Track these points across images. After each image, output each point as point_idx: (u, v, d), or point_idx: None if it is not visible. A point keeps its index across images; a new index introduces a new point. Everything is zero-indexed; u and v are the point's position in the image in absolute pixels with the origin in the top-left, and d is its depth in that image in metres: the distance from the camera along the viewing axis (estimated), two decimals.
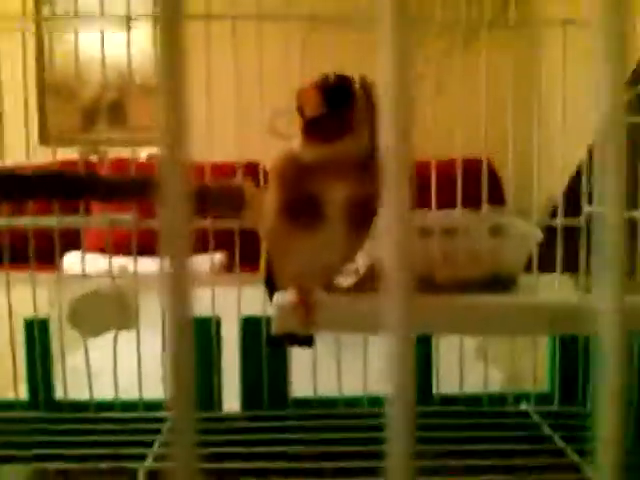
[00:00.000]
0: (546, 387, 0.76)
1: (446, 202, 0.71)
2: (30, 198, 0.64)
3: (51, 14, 0.76)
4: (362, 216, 0.48)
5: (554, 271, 0.73)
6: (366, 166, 0.47)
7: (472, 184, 0.75)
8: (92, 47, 0.72)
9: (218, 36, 0.79)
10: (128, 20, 0.72)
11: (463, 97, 0.72)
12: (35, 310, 0.73)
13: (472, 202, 0.72)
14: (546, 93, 0.74)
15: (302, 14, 0.73)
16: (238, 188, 0.74)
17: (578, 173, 0.74)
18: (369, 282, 0.51)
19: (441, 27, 0.74)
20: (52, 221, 0.74)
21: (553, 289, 0.73)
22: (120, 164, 0.96)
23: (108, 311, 0.72)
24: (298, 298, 0.47)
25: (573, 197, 0.74)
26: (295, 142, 0.49)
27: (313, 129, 0.47)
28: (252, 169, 0.77)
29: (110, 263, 0.73)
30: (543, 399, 0.75)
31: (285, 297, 0.48)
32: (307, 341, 0.60)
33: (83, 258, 0.74)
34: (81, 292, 0.72)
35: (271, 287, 0.55)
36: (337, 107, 0.47)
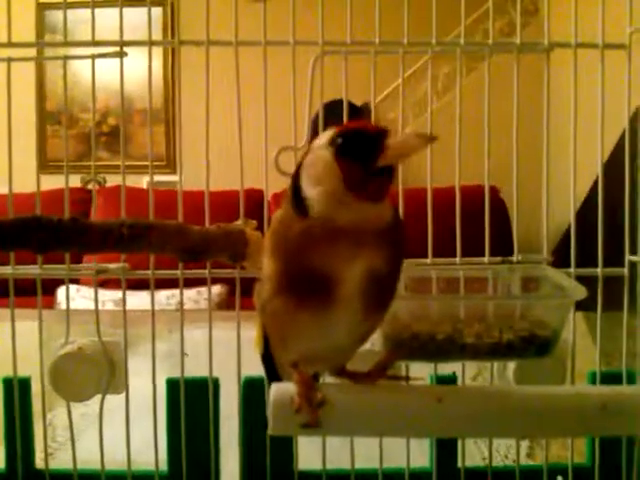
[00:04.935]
0: (585, 459, 0.67)
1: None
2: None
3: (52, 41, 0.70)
4: (382, 294, 0.40)
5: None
6: (390, 235, 0.40)
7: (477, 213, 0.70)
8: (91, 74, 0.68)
9: (219, 63, 0.74)
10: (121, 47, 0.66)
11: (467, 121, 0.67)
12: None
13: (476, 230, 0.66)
14: (555, 117, 0.67)
15: (309, 40, 0.66)
16: (239, 233, 0.66)
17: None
18: (389, 366, 0.43)
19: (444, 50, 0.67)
20: (34, 270, 0.67)
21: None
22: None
23: (93, 373, 0.64)
24: (300, 393, 0.39)
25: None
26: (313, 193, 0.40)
27: (372, 184, 0.38)
28: (255, 198, 0.70)
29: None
30: (581, 473, 0.66)
31: (284, 391, 0.39)
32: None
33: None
34: (63, 350, 0.65)
35: (270, 364, 0.47)
36: None
